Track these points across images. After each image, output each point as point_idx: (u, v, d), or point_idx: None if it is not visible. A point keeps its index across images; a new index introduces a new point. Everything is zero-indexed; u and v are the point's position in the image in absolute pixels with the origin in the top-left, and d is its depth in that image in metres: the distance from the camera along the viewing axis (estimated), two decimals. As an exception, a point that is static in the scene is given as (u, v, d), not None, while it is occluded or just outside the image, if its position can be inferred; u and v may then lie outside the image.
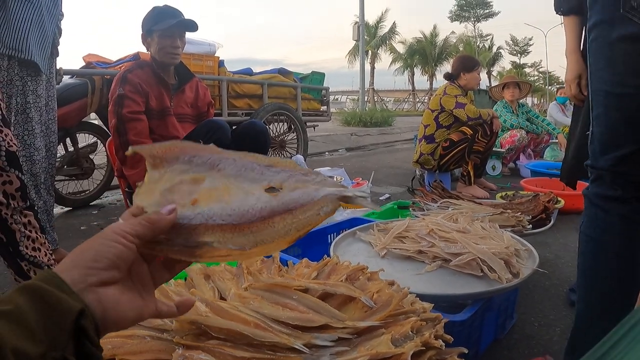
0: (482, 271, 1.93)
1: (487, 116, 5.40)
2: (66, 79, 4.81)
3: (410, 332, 1.18)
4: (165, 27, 3.25)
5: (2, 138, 2.00)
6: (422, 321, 1.25)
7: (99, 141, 5.43)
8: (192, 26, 3.38)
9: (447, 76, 5.81)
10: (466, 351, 1.24)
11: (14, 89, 2.77)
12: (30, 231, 2.14)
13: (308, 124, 7.42)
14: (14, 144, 2.06)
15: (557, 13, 2.53)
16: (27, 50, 2.78)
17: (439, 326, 1.27)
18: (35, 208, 2.23)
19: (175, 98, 3.46)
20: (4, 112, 2.08)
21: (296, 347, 1.13)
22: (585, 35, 1.79)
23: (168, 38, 3.30)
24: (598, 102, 1.59)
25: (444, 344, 1.19)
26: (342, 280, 1.44)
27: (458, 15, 61.55)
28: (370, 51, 50.58)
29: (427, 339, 1.16)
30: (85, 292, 0.73)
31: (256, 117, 5.73)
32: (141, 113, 3.20)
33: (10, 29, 2.73)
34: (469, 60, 5.85)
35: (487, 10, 60.77)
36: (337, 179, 3.73)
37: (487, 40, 62.37)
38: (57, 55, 3.19)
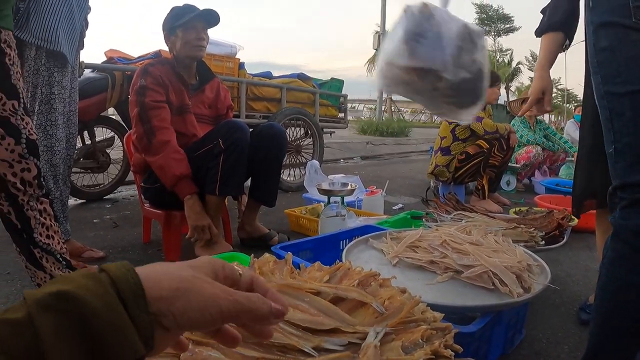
0: (494, 284, 1.92)
1: (504, 131, 5.39)
2: (87, 72, 4.87)
3: (420, 340, 1.18)
4: (187, 19, 3.26)
5: (24, 126, 2.03)
6: (432, 330, 1.25)
7: (116, 136, 5.47)
8: (214, 16, 3.38)
9: None
10: (473, 362, 1.24)
11: (40, 79, 2.81)
12: (45, 218, 2.17)
13: (325, 130, 7.40)
14: (34, 132, 2.10)
15: (537, 36, 2.52)
16: (56, 41, 2.81)
17: (449, 336, 1.26)
18: (50, 197, 2.26)
19: (194, 97, 3.46)
20: (26, 102, 2.11)
21: (305, 350, 1.13)
22: (588, 43, 1.70)
23: (192, 31, 3.30)
24: (621, 108, 1.48)
25: (453, 353, 1.19)
26: (354, 286, 1.44)
27: (478, 29, 61.19)
28: (389, 61, 50.40)
29: (436, 348, 1.15)
30: (159, 327, 0.58)
31: (274, 120, 5.73)
32: (163, 102, 3.20)
33: (40, 20, 2.77)
34: (492, 75, 5.84)
35: (508, 25, 60.32)
36: (351, 186, 3.73)
37: (506, 55, 62.15)
38: (82, 48, 3.23)
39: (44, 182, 2.18)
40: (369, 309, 1.32)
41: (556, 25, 2.34)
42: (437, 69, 1.66)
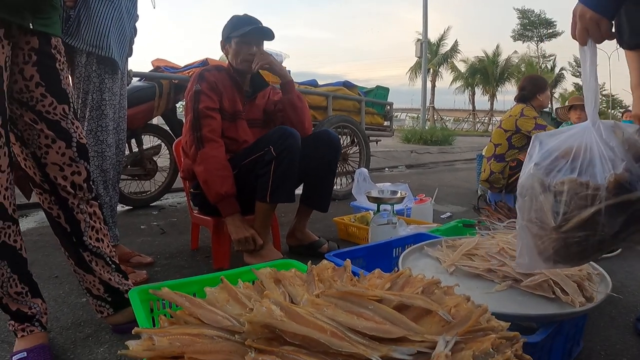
0: (554, 293, 1.88)
1: None
2: (135, 81, 4.94)
3: (490, 350, 1.15)
4: (242, 33, 3.27)
5: (74, 130, 2.06)
6: (500, 339, 1.21)
7: (162, 144, 5.52)
8: (269, 34, 3.38)
9: (522, 98, 5.69)
10: (545, 373, 1.20)
11: (91, 86, 2.84)
12: (94, 221, 2.19)
13: (371, 138, 7.35)
14: (84, 136, 2.12)
15: (620, 46, 2.42)
16: (107, 47, 2.84)
17: (518, 345, 1.22)
18: (100, 200, 2.27)
19: (248, 104, 3.47)
20: (76, 107, 2.13)
21: (374, 359, 1.10)
22: None
23: (245, 45, 3.31)
24: None
25: (525, 364, 1.16)
26: (417, 293, 1.41)
27: (521, 35, 60.21)
28: (431, 69, 50.18)
29: (508, 357, 1.12)
30: None
31: (320, 128, 5.72)
32: (216, 111, 3.22)
33: (91, 27, 2.80)
34: (541, 80, 5.76)
35: (551, 30, 59.25)
36: (401, 193, 3.69)
37: (549, 60, 61.15)
38: (131, 55, 3.26)
39: (93, 186, 2.19)
40: (435, 317, 1.28)
41: None
42: None
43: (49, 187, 2.08)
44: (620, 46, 2.39)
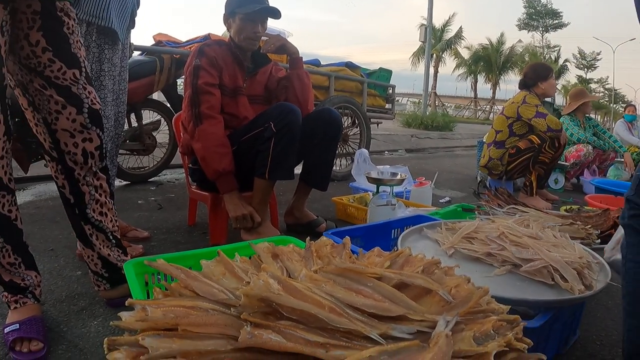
0: (554, 280, 1.86)
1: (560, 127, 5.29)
2: (136, 55, 4.89)
3: (491, 331, 1.13)
4: (249, 11, 3.21)
5: (86, 95, 2.03)
6: (501, 322, 1.19)
7: (162, 119, 5.49)
8: (276, 13, 3.33)
9: (524, 84, 5.68)
10: (545, 358, 1.18)
11: (90, 56, 2.77)
12: (100, 195, 2.16)
13: (372, 120, 7.33)
14: (97, 102, 2.08)
15: None
16: (107, 17, 2.78)
17: (518, 328, 1.20)
18: (110, 173, 2.25)
19: (249, 80, 3.43)
20: (88, 72, 2.10)
21: (372, 336, 1.08)
22: None
23: (250, 23, 3.26)
24: None
25: (526, 346, 1.14)
26: (418, 272, 1.39)
27: (527, 24, 59.84)
28: (434, 54, 50.04)
29: (509, 340, 1.10)
30: None
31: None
32: (215, 86, 3.18)
33: None
34: (544, 68, 5.71)
35: (557, 21, 58.87)
36: (401, 175, 3.67)
37: (554, 51, 60.81)
38: (133, 27, 3.20)
39: (105, 155, 2.16)
40: (435, 297, 1.26)
41: None
42: None
43: (57, 155, 2.05)
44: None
